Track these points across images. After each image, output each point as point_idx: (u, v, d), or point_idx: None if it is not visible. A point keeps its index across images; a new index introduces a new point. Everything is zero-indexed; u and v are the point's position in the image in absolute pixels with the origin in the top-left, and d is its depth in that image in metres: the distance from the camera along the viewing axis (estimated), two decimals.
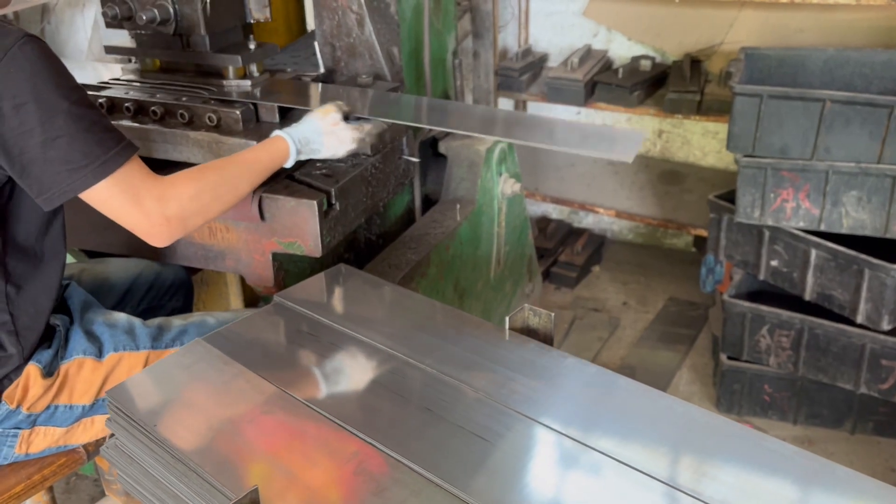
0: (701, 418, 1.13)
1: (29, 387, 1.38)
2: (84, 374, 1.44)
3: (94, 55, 3.55)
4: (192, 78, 1.85)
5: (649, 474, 1.03)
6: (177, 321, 1.58)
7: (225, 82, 1.81)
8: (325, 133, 1.59)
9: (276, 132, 1.55)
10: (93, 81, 1.92)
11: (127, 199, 1.26)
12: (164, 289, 1.84)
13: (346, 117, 1.66)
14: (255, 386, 1.23)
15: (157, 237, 1.31)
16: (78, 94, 1.23)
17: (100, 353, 1.46)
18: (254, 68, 1.83)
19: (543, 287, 3.15)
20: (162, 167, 1.47)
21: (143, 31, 1.81)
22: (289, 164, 1.55)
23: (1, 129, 1.19)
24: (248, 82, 1.81)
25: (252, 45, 1.81)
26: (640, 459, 1.06)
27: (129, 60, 1.96)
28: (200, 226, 1.35)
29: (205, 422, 1.17)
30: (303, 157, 1.58)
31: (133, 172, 1.27)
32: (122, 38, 1.93)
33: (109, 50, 1.90)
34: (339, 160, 1.82)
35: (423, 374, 1.25)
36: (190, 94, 1.76)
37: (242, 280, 2.26)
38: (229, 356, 1.30)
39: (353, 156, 1.83)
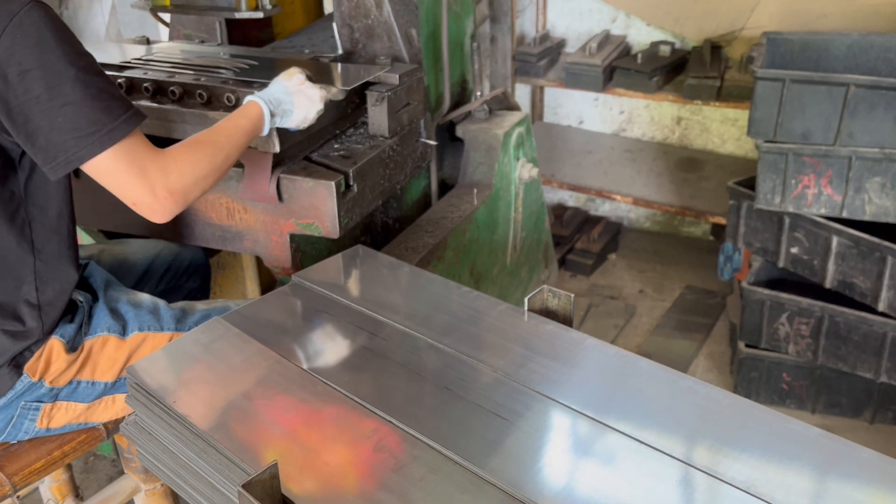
0: (723, 400, 1.12)
1: (52, 360, 1.39)
2: (108, 351, 1.45)
3: (111, 40, 3.55)
4: (202, 12, 1.85)
5: (670, 455, 1.02)
6: (201, 305, 1.58)
7: (237, 14, 1.81)
8: (294, 92, 1.55)
9: (248, 97, 1.52)
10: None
11: (132, 171, 1.23)
12: (182, 270, 1.84)
13: (311, 80, 1.63)
14: (273, 364, 1.23)
15: (158, 211, 1.27)
16: (85, 61, 1.21)
17: (123, 332, 1.46)
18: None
19: (559, 274, 3.13)
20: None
21: None
22: (265, 129, 1.50)
23: (7, 96, 1.17)
24: (259, 13, 1.81)
25: None
26: (660, 440, 1.05)
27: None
28: (198, 198, 1.34)
29: (224, 399, 1.17)
30: (277, 121, 1.53)
31: (137, 144, 1.25)
32: (139, 17, 1.94)
33: None
34: (356, 142, 1.81)
35: (442, 354, 1.25)
36: (208, 74, 1.76)
37: (259, 263, 2.26)
38: (248, 334, 1.30)
39: (371, 137, 1.83)
